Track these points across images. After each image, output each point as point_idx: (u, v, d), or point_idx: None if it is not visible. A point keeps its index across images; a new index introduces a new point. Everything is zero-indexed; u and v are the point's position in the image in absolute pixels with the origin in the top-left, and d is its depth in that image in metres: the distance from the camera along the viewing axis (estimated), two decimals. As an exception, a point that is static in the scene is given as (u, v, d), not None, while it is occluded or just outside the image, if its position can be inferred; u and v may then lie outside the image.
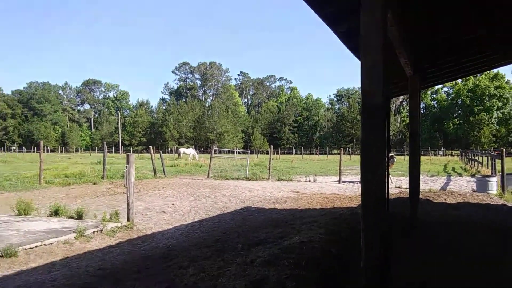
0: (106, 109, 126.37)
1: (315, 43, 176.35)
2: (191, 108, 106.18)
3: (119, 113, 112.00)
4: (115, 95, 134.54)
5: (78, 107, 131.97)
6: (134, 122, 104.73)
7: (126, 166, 9.12)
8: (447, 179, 20.52)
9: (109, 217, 8.86)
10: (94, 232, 7.85)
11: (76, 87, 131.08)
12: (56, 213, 9.35)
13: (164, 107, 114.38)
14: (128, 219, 8.89)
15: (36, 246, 6.74)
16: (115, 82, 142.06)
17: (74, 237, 7.36)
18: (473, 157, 32.49)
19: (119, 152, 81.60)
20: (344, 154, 26.52)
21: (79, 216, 8.98)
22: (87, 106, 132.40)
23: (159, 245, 7.34)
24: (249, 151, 31.77)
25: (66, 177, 19.22)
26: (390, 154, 18.34)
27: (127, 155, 9.41)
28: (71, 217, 9.09)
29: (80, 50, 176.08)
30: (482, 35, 7.15)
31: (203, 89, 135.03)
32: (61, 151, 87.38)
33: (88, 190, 15.11)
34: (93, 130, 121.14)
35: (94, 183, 17.24)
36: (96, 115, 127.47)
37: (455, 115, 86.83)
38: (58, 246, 6.93)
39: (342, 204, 12.03)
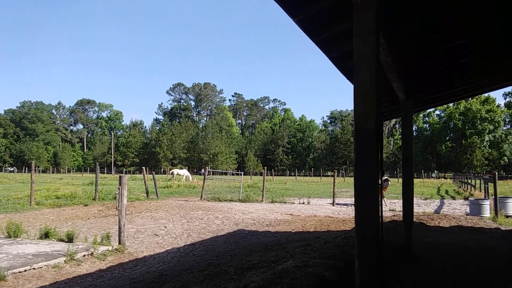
0: (99, 129, 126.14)
1: (309, 66, 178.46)
2: (185, 129, 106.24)
3: (112, 133, 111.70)
4: (109, 115, 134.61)
5: (71, 127, 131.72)
6: (127, 143, 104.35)
7: (119, 188, 9.04)
8: (441, 202, 20.53)
9: (100, 240, 8.73)
10: (84, 255, 7.71)
11: (70, 106, 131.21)
12: (46, 235, 9.20)
13: (157, 128, 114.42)
14: (119, 242, 8.75)
15: (25, 270, 6.60)
16: (109, 102, 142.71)
17: (64, 260, 7.22)
18: (466, 180, 32.61)
19: (111, 173, 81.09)
20: (337, 176, 26.56)
21: (70, 239, 8.83)
22: (80, 126, 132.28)
23: (151, 269, 7.22)
24: (242, 173, 31.65)
25: (57, 198, 19.01)
26: (385, 177, 18.42)
27: (120, 177, 9.33)
28: (62, 240, 8.94)
29: (74, 70, 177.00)
30: (475, 60, 7.28)
31: (197, 110, 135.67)
32: (53, 172, 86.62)
33: (79, 212, 14.92)
34: (85, 150, 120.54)
35: (86, 205, 17.04)
36: (89, 135, 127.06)
37: (447, 138, 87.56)
38: (48, 270, 6.78)
39: (336, 227, 11.96)
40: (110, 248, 8.41)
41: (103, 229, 10.62)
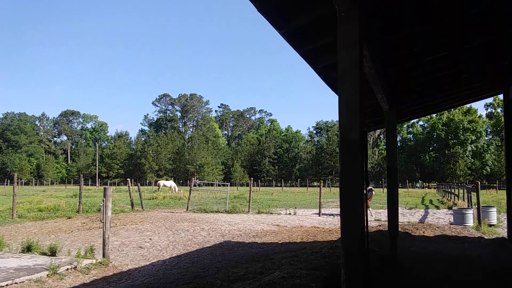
0: (84, 141, 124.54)
1: (295, 77, 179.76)
2: (171, 140, 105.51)
3: (97, 144, 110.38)
4: (93, 126, 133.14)
5: (55, 139, 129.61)
6: (112, 154, 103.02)
7: (103, 200, 8.93)
8: (425, 212, 20.73)
9: (84, 253, 8.58)
10: (67, 269, 7.57)
11: (54, 118, 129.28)
12: (28, 249, 9.02)
13: (143, 139, 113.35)
14: (103, 256, 8.62)
15: (7, 285, 6.44)
16: (94, 113, 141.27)
17: (47, 275, 7.07)
18: (449, 190, 33.01)
19: (96, 185, 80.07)
20: (323, 186, 26.66)
21: (53, 253, 8.67)
22: (64, 138, 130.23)
23: (135, 282, 7.12)
24: (229, 183, 31.57)
25: (40, 211, 18.66)
26: (369, 187, 18.57)
27: (104, 189, 9.23)
28: (44, 254, 8.77)
29: (59, 81, 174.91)
30: (456, 72, 7.44)
31: (183, 121, 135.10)
32: (36, 184, 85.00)
33: (63, 225, 14.66)
34: (69, 162, 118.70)
35: (69, 218, 16.77)
36: (73, 147, 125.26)
37: (431, 148, 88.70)
38: (30, 285, 6.64)
39: (322, 237, 11.97)
40: (94, 261, 8.27)
41: (87, 242, 10.46)
